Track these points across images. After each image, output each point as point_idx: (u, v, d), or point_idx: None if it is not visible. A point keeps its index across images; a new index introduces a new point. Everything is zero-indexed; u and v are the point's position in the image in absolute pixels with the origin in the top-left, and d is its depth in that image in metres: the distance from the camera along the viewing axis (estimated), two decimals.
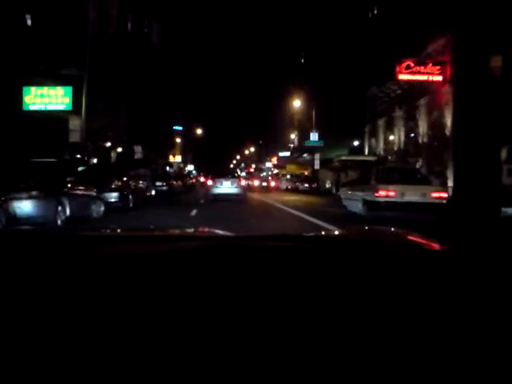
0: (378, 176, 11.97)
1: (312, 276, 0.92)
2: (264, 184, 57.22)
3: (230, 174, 23.44)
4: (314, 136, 41.32)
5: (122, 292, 0.85)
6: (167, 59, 57.23)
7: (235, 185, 21.40)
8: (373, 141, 34.90)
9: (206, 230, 1.86)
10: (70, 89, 19.54)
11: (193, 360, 0.68)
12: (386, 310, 0.79)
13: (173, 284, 0.88)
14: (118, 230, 2.06)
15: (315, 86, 44.63)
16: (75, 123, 19.16)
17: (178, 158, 68.08)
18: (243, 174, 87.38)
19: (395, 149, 30.12)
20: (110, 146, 31.11)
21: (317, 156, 41.11)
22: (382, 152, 33.01)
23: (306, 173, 54.41)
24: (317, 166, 40.97)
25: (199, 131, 75.80)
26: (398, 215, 9.85)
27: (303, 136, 59.96)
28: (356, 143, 48.91)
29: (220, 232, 1.48)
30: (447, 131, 22.92)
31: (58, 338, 0.71)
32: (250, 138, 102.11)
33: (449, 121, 22.76)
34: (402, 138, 29.21)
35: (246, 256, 1.06)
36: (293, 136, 69.52)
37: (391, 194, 10.89)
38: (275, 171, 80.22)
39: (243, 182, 24.46)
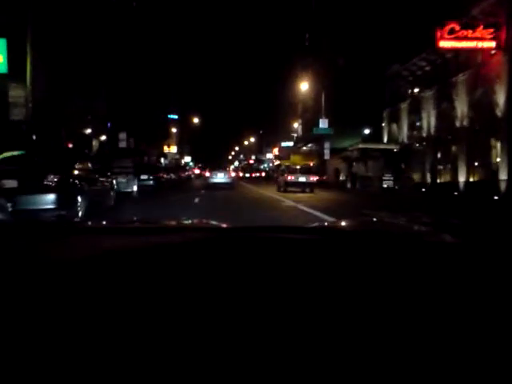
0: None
1: (319, 269, 0.93)
2: (258, 175, 53.92)
3: (222, 168, 29.85)
4: (323, 123, 36.91)
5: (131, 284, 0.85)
6: (159, 40, 52.58)
7: (227, 176, 27.80)
8: (393, 127, 30.52)
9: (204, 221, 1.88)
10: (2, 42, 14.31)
11: (196, 353, 0.69)
12: (392, 302, 0.80)
13: (184, 274, 0.90)
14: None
15: (324, 68, 40.18)
16: (17, 94, 14.54)
17: (174, 149, 63.66)
18: (233, 166, 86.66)
19: (424, 135, 25.71)
20: (90, 133, 26.67)
21: (327, 145, 36.76)
22: (405, 139, 28.62)
23: (311, 164, 50.20)
24: (327, 155, 36.63)
25: (196, 120, 71.35)
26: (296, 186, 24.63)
27: (308, 124, 55.52)
28: (367, 131, 44.55)
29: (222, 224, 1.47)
30: (498, 111, 18.55)
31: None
32: (250, 128, 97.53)
33: (500, 99, 18.40)
34: (433, 122, 24.81)
35: (251, 247, 1.06)
36: (296, 125, 65.01)
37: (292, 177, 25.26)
38: (276, 162, 76.04)
39: (233, 174, 32.39)
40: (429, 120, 25.29)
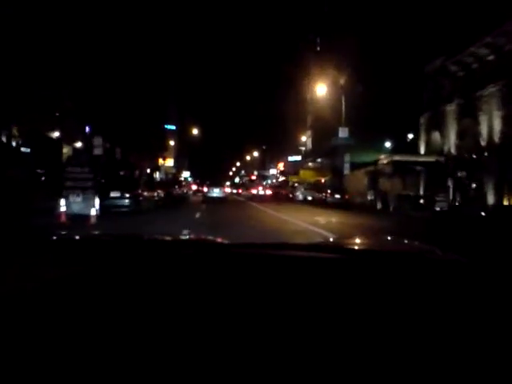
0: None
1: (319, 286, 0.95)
2: (263, 193, 48.17)
3: (218, 185, 35.01)
4: (343, 132, 31.39)
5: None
6: (156, 41, 47.36)
7: (221, 191, 33.54)
8: (435, 135, 24.89)
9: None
10: None
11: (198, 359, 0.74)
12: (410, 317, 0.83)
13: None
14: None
15: (342, 69, 34.79)
16: None
17: (170, 162, 58.11)
18: (228, 183, 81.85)
19: (483, 143, 20.09)
20: (58, 137, 21.07)
21: (347, 158, 31.20)
22: (452, 149, 22.99)
23: (322, 180, 44.59)
24: (346, 170, 31.01)
25: (195, 131, 65.97)
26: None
27: (319, 136, 50.12)
28: (388, 144, 39.10)
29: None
30: None
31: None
32: (253, 142, 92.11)
33: None
34: (497, 126, 19.24)
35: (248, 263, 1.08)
36: (304, 138, 59.58)
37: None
38: (281, 178, 70.47)
39: (227, 190, 39.61)
40: (491, 124, 19.72)
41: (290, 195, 38.52)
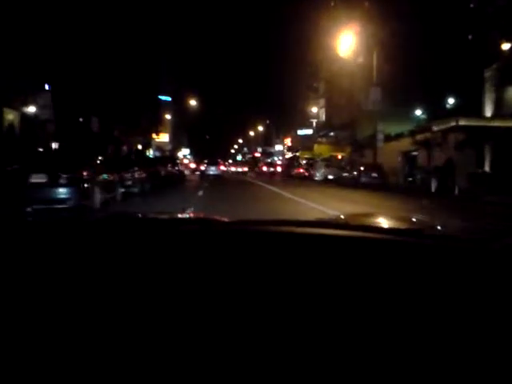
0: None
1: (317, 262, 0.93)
2: (273, 170, 41.99)
3: (215, 163, 38.40)
4: (375, 93, 25.02)
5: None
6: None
7: (217, 169, 37.16)
8: (509, 91, 18.55)
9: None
10: None
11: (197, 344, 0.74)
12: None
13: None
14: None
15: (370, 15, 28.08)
16: None
17: (165, 138, 51.84)
18: (230, 161, 77.45)
19: None
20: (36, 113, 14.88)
21: (380, 127, 24.99)
22: None
23: (339, 156, 38.37)
24: (380, 142, 24.86)
25: (193, 103, 59.28)
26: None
27: (334, 106, 43.78)
28: (418, 113, 32.69)
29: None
30: None
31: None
32: (256, 117, 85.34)
33: None
34: None
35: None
36: (315, 109, 52.98)
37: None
38: (288, 155, 64.13)
39: (222, 167, 41.87)
40: None
41: (305, 173, 32.39)
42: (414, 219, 1.65)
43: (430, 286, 0.87)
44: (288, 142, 66.14)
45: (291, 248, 1.00)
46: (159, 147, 48.75)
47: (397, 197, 15.39)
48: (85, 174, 8.46)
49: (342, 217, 1.95)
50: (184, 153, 79.02)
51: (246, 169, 53.65)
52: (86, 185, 8.35)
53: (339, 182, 24.41)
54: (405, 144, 27.32)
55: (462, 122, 17.22)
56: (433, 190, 18.33)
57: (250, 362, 0.72)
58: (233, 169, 55.99)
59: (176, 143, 65.44)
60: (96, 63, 25.31)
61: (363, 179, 20.72)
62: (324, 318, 0.80)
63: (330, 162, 31.04)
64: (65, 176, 8.11)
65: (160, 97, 50.75)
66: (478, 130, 16.91)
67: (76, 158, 9.06)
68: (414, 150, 26.61)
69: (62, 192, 8.03)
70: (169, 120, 57.96)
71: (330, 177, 28.19)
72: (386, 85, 25.60)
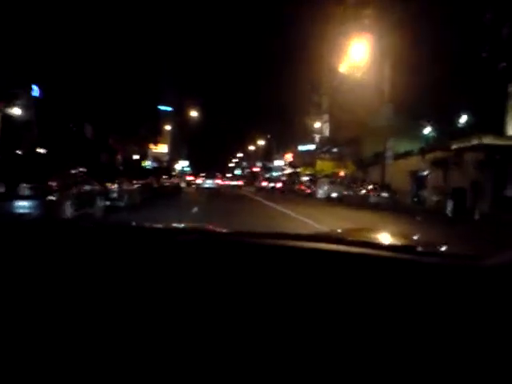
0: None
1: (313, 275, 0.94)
2: (273, 186, 40.58)
3: (211, 176, 40.12)
4: (387, 109, 23.69)
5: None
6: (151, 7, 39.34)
7: (214, 183, 38.56)
8: None
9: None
10: None
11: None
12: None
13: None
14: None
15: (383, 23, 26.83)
16: None
17: (163, 148, 50.48)
18: (230, 175, 77.15)
19: None
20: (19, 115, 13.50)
21: (390, 143, 23.64)
22: None
23: (341, 173, 36.99)
24: (390, 159, 23.47)
25: (194, 114, 58.00)
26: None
27: (338, 121, 42.48)
28: (427, 131, 31.32)
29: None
30: None
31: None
32: (257, 130, 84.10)
33: None
34: None
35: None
36: (318, 124, 51.73)
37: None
38: (288, 170, 62.67)
39: (218, 181, 41.54)
40: None
41: (307, 190, 30.93)
42: (414, 237, 1.55)
43: (420, 300, 0.87)
44: (289, 157, 64.76)
45: (286, 261, 1.00)
46: (157, 158, 47.36)
47: (409, 221, 13.89)
48: (53, 184, 6.96)
49: (339, 231, 1.86)
50: (182, 164, 77.76)
51: (240, 183, 55.22)
52: (52, 197, 6.84)
53: (344, 201, 22.92)
54: (413, 162, 25.93)
55: (486, 140, 15.80)
56: (449, 213, 16.84)
57: (243, 368, 0.73)
58: (227, 182, 55.11)
59: (175, 155, 64.12)
60: (93, 67, 24.01)
61: (372, 199, 19.23)
62: (319, 328, 0.80)
63: (333, 180, 29.59)
64: (26, 186, 6.61)
65: (160, 107, 49.49)
66: (500, 149, 15.50)
67: (46, 166, 7.55)
68: (424, 170, 25.24)
69: (22, 205, 6.53)
70: (168, 131, 56.68)
71: (334, 195, 26.70)
72: (395, 100, 24.33)
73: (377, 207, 18.88)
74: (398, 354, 0.77)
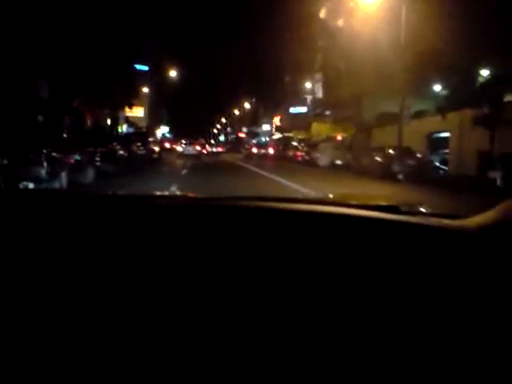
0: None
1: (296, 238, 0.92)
2: (264, 152, 36.52)
3: (191, 143, 39.60)
4: (403, 60, 19.66)
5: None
6: None
7: (194, 149, 37.43)
8: None
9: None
10: None
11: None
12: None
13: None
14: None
15: None
16: None
17: (139, 112, 45.84)
18: (213, 142, 75.19)
19: None
20: None
21: (408, 102, 19.80)
22: None
23: (338, 137, 33.01)
24: (407, 118, 19.77)
25: (173, 73, 52.89)
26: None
27: (333, 81, 38.21)
28: (439, 88, 27.29)
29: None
30: None
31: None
32: (242, 92, 79.01)
33: None
34: None
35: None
36: (309, 84, 47.32)
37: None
38: (276, 136, 58.42)
39: (198, 147, 38.78)
40: None
41: (305, 157, 27.08)
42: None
43: (401, 262, 0.85)
44: (277, 121, 60.48)
45: (265, 222, 0.97)
46: (133, 123, 42.79)
47: (470, 199, 10.11)
48: None
49: (331, 196, 1.76)
50: (163, 131, 72.88)
51: (220, 149, 54.49)
52: None
53: (354, 170, 19.16)
54: (430, 124, 22.24)
55: None
56: (499, 183, 13.25)
57: (229, 347, 0.72)
58: (209, 149, 51.88)
59: (154, 120, 59.24)
60: (49, 9, 19.36)
61: (396, 167, 15.43)
62: (307, 293, 0.80)
63: (337, 144, 25.80)
64: None
65: (136, 66, 44.43)
66: None
67: None
68: (444, 131, 21.66)
69: None
70: (146, 93, 51.66)
71: (339, 162, 22.96)
72: (412, 50, 20.32)
73: (398, 178, 15.16)
74: (388, 319, 0.76)
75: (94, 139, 11.99)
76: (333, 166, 22.76)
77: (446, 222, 1.02)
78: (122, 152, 14.26)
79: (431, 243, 0.89)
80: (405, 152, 16.47)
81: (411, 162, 15.57)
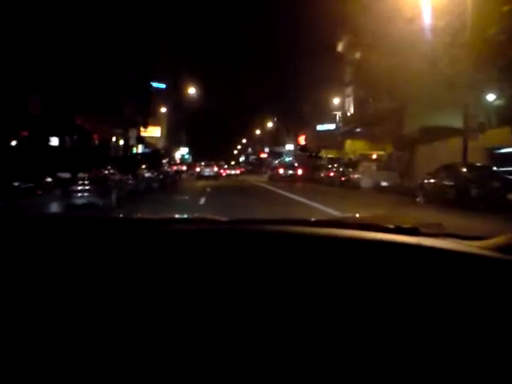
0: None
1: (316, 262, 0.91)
2: (292, 173, 32.60)
3: (210, 165, 39.89)
4: (466, 60, 16.08)
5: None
6: None
7: (212, 170, 38.36)
8: None
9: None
10: None
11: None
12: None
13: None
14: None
15: None
16: None
17: (156, 132, 42.97)
18: (233, 162, 74.46)
19: None
20: None
21: (474, 112, 16.14)
22: None
23: (373, 156, 29.27)
24: (475, 134, 16.08)
25: (191, 91, 50.11)
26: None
27: (364, 95, 34.77)
28: (491, 97, 23.48)
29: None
30: None
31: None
32: (264, 112, 75.97)
33: None
34: None
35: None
36: (336, 100, 43.92)
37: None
38: (302, 154, 54.72)
39: (215, 169, 39.37)
40: None
41: (341, 178, 23.50)
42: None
43: (423, 284, 0.85)
44: (302, 139, 57.05)
45: (288, 247, 0.97)
46: (150, 144, 39.93)
47: None
48: None
49: (357, 216, 1.75)
50: (182, 152, 70.21)
51: (238, 171, 53.44)
52: None
53: (407, 193, 15.54)
54: (492, 137, 18.48)
55: None
56: None
57: (244, 361, 0.72)
58: (227, 172, 51.45)
59: (173, 141, 56.50)
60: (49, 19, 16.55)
61: (474, 191, 11.73)
62: (323, 314, 0.80)
63: (380, 163, 22.23)
64: None
65: (153, 84, 41.87)
66: None
67: None
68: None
69: None
70: (163, 113, 48.97)
71: (384, 183, 19.34)
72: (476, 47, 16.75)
73: (477, 206, 11.43)
74: (403, 339, 0.76)
75: (74, 161, 8.76)
76: (379, 188, 19.17)
77: (466, 243, 1.00)
78: (118, 177, 10.98)
79: (449, 266, 0.88)
80: (485, 171, 12.79)
81: (496, 184, 11.84)
